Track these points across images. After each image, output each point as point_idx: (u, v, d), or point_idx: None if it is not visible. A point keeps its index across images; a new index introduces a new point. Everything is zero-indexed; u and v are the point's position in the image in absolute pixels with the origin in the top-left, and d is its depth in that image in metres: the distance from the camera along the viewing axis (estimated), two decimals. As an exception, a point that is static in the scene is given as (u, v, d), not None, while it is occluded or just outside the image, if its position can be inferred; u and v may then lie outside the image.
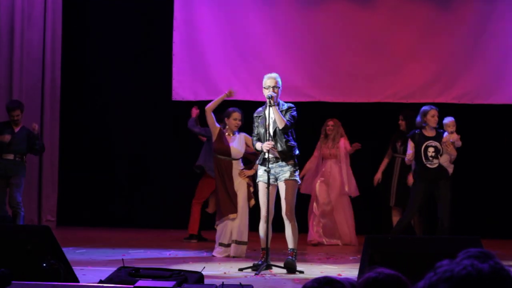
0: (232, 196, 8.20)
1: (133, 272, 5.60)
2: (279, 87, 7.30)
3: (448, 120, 8.48)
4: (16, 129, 9.29)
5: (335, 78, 10.61)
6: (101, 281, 5.46)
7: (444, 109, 8.94)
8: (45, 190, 11.22)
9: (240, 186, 8.26)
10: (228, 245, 8.22)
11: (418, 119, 8.41)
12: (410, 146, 8.44)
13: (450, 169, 8.33)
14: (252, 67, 10.81)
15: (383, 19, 10.54)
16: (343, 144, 9.79)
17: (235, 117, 8.33)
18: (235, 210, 8.17)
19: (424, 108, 8.47)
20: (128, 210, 11.32)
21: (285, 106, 7.33)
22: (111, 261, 7.51)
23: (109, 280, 5.50)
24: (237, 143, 8.32)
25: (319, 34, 10.68)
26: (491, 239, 8.37)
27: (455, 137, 8.36)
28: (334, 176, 9.77)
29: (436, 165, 8.26)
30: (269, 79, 7.34)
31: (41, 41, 11.17)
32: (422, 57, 10.44)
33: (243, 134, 8.38)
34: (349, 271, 6.99)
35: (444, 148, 8.30)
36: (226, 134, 8.36)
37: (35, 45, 11.11)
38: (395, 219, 9.43)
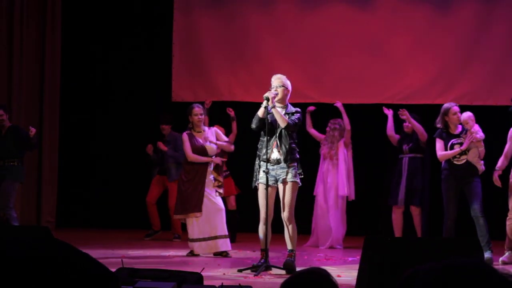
0: (200, 196, 8.36)
1: (132, 273, 5.60)
2: (283, 87, 7.30)
3: (463, 117, 8.27)
4: (3, 132, 9.03)
5: (335, 79, 10.61)
6: (100, 282, 5.45)
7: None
8: (45, 191, 11.21)
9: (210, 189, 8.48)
10: (201, 240, 8.35)
11: (439, 120, 8.25)
12: (440, 145, 8.25)
13: (479, 166, 8.16)
14: (252, 68, 10.82)
15: (383, 21, 10.55)
16: (342, 145, 9.77)
17: (195, 112, 8.52)
18: (200, 209, 8.35)
19: (444, 106, 8.30)
20: (127, 211, 11.32)
21: (293, 110, 7.35)
22: (110, 262, 7.50)
23: (108, 281, 5.49)
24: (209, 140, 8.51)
25: (319, 36, 10.68)
26: (501, 240, 8.35)
27: (474, 130, 8.15)
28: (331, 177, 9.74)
29: (463, 161, 8.13)
30: (276, 80, 7.36)
31: (41, 41, 11.17)
32: (421, 59, 10.45)
33: (213, 129, 8.60)
34: (348, 272, 6.98)
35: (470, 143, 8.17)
36: (195, 133, 8.54)
37: (34, 45, 11.11)
38: (397, 218, 9.44)
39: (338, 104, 9.69)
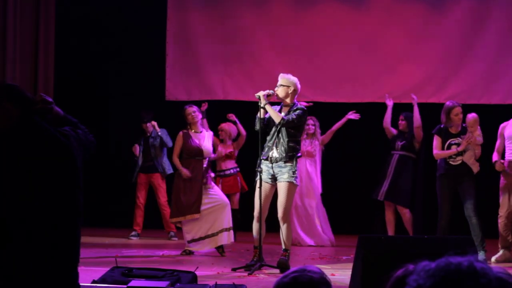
0: (198, 196, 8.31)
1: (126, 272, 5.60)
2: (284, 86, 7.32)
3: (468, 118, 8.31)
4: None
5: (329, 78, 10.62)
6: (94, 281, 5.45)
7: (438, 109, 8.93)
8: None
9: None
10: (204, 238, 8.29)
11: (443, 117, 8.28)
12: (438, 143, 8.30)
13: (475, 167, 8.20)
14: (246, 67, 10.82)
15: (376, 20, 10.56)
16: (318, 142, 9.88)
17: (188, 112, 8.54)
18: (198, 210, 8.27)
19: (447, 105, 8.31)
20: (121, 210, 11.29)
21: (296, 107, 7.36)
22: (104, 261, 7.49)
23: (102, 280, 5.49)
24: (206, 142, 8.52)
25: (313, 35, 10.69)
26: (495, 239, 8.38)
27: (474, 136, 8.19)
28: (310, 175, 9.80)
29: (459, 162, 8.19)
30: (280, 78, 7.43)
31: (34, 41, 11.14)
32: (415, 58, 10.46)
33: (211, 133, 8.64)
34: (342, 271, 6.99)
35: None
36: (192, 131, 8.52)
37: (28, 45, 11.08)
38: (390, 217, 9.47)
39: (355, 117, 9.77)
